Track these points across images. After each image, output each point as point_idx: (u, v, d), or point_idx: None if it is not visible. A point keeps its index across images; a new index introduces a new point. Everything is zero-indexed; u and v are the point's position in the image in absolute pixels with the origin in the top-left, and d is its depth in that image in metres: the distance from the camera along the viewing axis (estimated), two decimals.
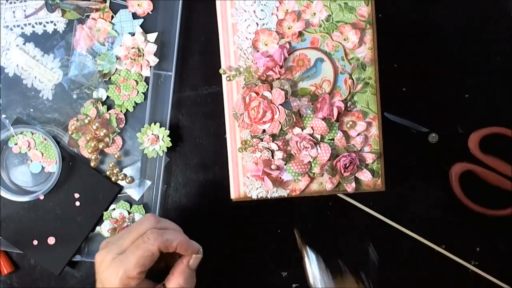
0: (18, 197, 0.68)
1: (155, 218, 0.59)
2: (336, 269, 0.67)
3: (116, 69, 0.69)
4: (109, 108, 0.69)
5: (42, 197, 0.69)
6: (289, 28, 0.65)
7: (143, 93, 0.69)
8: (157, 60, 0.68)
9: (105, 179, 0.69)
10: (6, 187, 0.69)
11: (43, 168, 0.70)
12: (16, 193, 0.69)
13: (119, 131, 0.69)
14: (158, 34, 0.68)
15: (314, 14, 0.65)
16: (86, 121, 0.68)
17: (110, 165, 0.69)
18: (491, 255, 0.71)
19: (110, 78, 0.69)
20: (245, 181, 0.66)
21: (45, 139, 0.69)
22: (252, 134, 0.65)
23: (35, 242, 0.69)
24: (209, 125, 0.70)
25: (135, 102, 0.69)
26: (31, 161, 0.70)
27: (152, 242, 0.56)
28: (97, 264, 0.57)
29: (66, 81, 0.69)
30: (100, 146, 0.69)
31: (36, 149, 0.70)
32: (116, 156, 0.69)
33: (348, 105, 0.65)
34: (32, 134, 0.69)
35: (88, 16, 0.69)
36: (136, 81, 0.69)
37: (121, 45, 0.68)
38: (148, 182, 0.69)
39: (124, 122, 0.70)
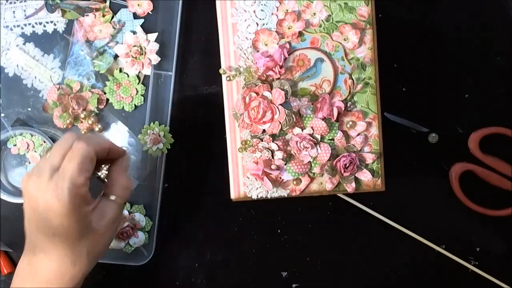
0: (16, 198, 0.68)
1: (75, 133, 0.57)
2: None
3: (116, 69, 0.69)
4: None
5: None
6: (289, 28, 0.65)
7: (141, 95, 0.69)
8: (159, 58, 0.68)
9: (101, 181, 0.69)
10: (3, 188, 0.69)
11: None
12: (13, 194, 0.69)
13: (97, 111, 0.69)
14: (158, 34, 0.68)
15: (314, 14, 0.65)
16: (66, 93, 0.68)
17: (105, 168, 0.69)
18: (491, 255, 0.71)
19: (108, 76, 0.69)
20: (245, 181, 0.66)
21: (44, 141, 0.69)
22: (252, 134, 0.65)
23: None
24: (209, 125, 0.70)
25: (134, 105, 0.69)
26: (29, 163, 0.70)
27: (85, 146, 0.54)
28: (28, 191, 0.53)
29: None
30: (83, 133, 0.69)
31: (35, 151, 0.69)
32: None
33: (348, 105, 0.66)
34: (32, 136, 0.69)
35: (88, 16, 0.69)
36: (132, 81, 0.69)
37: (122, 43, 0.68)
38: (147, 182, 0.69)
39: (105, 103, 0.69)
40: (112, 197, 0.57)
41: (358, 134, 0.66)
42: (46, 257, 0.54)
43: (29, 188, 0.53)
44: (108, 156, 0.58)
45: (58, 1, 0.68)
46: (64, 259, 0.54)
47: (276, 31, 0.65)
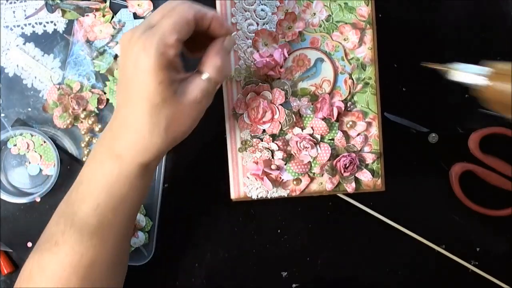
0: (15, 198, 0.68)
1: None
2: None
3: (116, 69, 0.69)
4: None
5: (38, 200, 0.69)
6: (289, 28, 0.65)
7: None
8: None
9: None
10: (3, 188, 0.69)
11: (41, 170, 0.70)
12: (13, 194, 0.69)
13: (97, 112, 0.69)
14: None
15: (314, 14, 0.65)
16: (66, 93, 0.68)
17: None
18: (491, 255, 0.71)
19: (108, 75, 0.69)
20: (245, 181, 0.66)
21: (45, 142, 0.69)
22: (252, 134, 0.65)
23: (29, 244, 0.69)
24: (209, 125, 0.70)
25: None
26: (29, 163, 0.70)
27: (186, 7, 0.52)
28: (121, 45, 0.53)
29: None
30: (83, 133, 0.69)
31: (35, 151, 0.69)
32: None
33: (348, 105, 0.66)
34: (32, 136, 0.69)
35: (88, 16, 0.69)
36: None
37: None
38: None
39: (105, 103, 0.69)
40: (204, 76, 0.54)
41: (358, 134, 0.66)
42: (124, 123, 0.53)
43: (123, 42, 0.52)
44: (210, 31, 0.55)
45: (58, 1, 0.68)
46: (141, 124, 0.52)
47: (276, 31, 0.65)
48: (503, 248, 0.71)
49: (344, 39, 0.65)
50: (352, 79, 0.65)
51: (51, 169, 0.69)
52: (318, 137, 0.65)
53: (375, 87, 0.66)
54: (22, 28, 0.70)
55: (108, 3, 0.69)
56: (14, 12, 0.69)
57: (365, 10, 0.65)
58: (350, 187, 0.66)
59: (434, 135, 0.70)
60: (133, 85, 0.51)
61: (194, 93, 0.53)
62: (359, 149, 0.66)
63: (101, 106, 0.69)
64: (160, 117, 0.52)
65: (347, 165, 0.64)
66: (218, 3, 0.65)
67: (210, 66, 0.54)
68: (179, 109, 0.52)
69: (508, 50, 0.71)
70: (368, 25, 0.65)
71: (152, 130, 0.52)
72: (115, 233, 0.56)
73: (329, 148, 0.65)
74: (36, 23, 0.70)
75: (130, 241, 0.63)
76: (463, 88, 0.71)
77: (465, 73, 0.56)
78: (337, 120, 0.65)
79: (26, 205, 0.69)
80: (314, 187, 0.66)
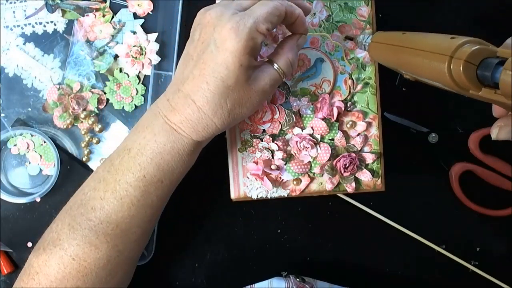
0: (15, 198, 0.68)
1: None
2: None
3: (116, 69, 0.69)
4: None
5: (38, 200, 0.69)
6: None
7: (142, 95, 0.69)
8: (159, 58, 0.68)
9: None
10: (3, 188, 0.69)
11: (41, 170, 0.70)
12: (13, 194, 0.69)
13: (97, 112, 0.69)
14: (158, 34, 0.68)
15: (314, 14, 0.65)
16: (66, 93, 0.68)
17: None
18: (491, 255, 0.71)
19: (108, 75, 0.69)
20: (245, 181, 0.66)
21: (45, 142, 0.69)
22: (252, 134, 0.65)
23: (29, 244, 0.69)
24: None
25: (134, 105, 0.69)
26: (29, 163, 0.70)
27: (280, 2, 0.53)
28: (207, 18, 0.53)
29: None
30: (83, 133, 0.69)
31: (35, 151, 0.69)
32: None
33: (348, 105, 0.66)
34: (32, 136, 0.69)
35: (88, 16, 0.69)
36: (132, 81, 0.69)
37: (122, 43, 0.68)
38: None
39: (105, 103, 0.69)
40: (275, 66, 0.56)
41: (358, 134, 0.66)
42: (189, 97, 0.53)
43: (209, 16, 0.53)
44: (292, 27, 0.58)
45: (58, 1, 0.68)
46: (207, 102, 0.52)
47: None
48: (503, 248, 0.71)
49: (344, 39, 0.65)
50: (352, 79, 0.65)
51: (51, 169, 0.69)
52: (318, 137, 0.65)
53: (375, 87, 0.66)
54: (22, 28, 0.69)
55: (108, 3, 0.69)
56: (14, 12, 0.69)
57: (365, 10, 0.65)
58: (350, 187, 0.66)
59: (434, 135, 0.70)
60: (211, 62, 0.52)
61: (265, 81, 0.55)
62: (359, 149, 0.66)
63: (101, 106, 0.69)
64: (228, 99, 0.53)
65: (347, 165, 0.64)
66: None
67: (283, 59, 0.56)
68: (246, 94, 0.54)
69: None
70: (368, 25, 0.65)
71: (216, 111, 0.53)
72: (148, 214, 0.57)
73: (329, 148, 0.65)
74: (36, 23, 0.70)
75: (149, 237, 0.63)
76: None
77: (360, 43, 0.63)
78: (337, 120, 0.65)
79: (26, 205, 0.69)
80: (314, 187, 0.66)
